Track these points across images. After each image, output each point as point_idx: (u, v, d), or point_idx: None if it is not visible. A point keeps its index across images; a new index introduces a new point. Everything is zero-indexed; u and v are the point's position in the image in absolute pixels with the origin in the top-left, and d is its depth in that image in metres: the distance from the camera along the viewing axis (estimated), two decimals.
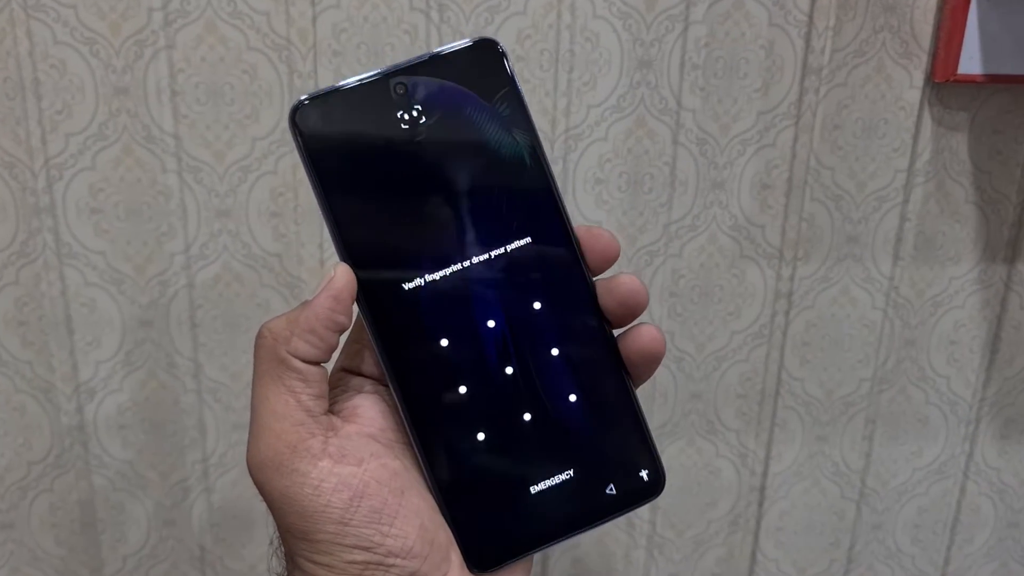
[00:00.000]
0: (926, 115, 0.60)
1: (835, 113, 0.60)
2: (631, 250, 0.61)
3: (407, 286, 0.31)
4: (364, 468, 0.29)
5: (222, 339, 0.61)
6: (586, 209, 0.60)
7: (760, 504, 0.69)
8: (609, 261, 0.32)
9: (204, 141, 0.57)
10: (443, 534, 0.31)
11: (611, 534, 0.68)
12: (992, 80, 0.57)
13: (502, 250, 0.31)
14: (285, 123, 0.57)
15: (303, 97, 0.31)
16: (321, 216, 0.31)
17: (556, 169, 0.59)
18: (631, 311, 0.32)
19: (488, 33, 0.56)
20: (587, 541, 0.68)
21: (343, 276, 0.30)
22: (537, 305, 0.31)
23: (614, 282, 0.31)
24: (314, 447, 0.29)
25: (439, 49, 0.31)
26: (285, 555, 0.31)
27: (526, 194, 0.31)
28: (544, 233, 0.31)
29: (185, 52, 0.55)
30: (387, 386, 0.32)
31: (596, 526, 0.32)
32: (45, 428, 0.61)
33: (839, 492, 0.69)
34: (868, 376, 0.66)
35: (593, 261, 0.32)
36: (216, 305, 0.60)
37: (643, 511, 0.68)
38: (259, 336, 0.30)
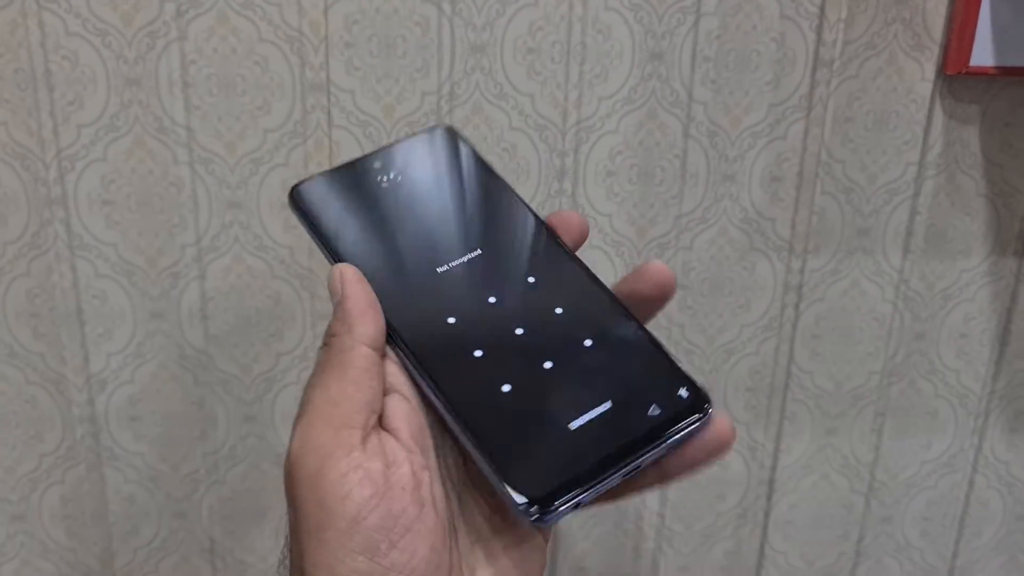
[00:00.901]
0: (937, 108, 0.60)
1: (846, 106, 0.59)
2: (641, 243, 0.61)
3: (419, 279, 0.34)
4: (392, 470, 0.29)
5: (233, 332, 0.61)
6: (597, 202, 0.60)
7: (769, 497, 0.69)
8: (583, 235, 0.36)
9: (216, 132, 0.57)
10: (447, 560, 0.30)
11: (620, 526, 0.68)
12: (1004, 73, 0.57)
13: (489, 247, 0.35)
14: (297, 115, 0.57)
15: (298, 182, 0.37)
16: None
17: (567, 161, 0.59)
18: (664, 291, 0.34)
19: (499, 26, 0.56)
20: (596, 533, 0.68)
21: (348, 268, 0.33)
22: (531, 279, 0.35)
23: (646, 269, 0.34)
24: (353, 438, 0.29)
25: (403, 136, 0.40)
26: (291, 565, 0.30)
27: (497, 202, 0.37)
28: (520, 227, 0.36)
29: (197, 43, 0.55)
30: (412, 380, 0.33)
31: (655, 455, 0.31)
32: (56, 420, 0.61)
33: (848, 485, 0.69)
34: (878, 369, 0.66)
35: (571, 239, 0.36)
36: (227, 297, 0.60)
37: (651, 502, 0.68)
38: (325, 339, 0.32)
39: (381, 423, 0.31)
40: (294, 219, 0.58)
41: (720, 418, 0.31)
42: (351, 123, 0.57)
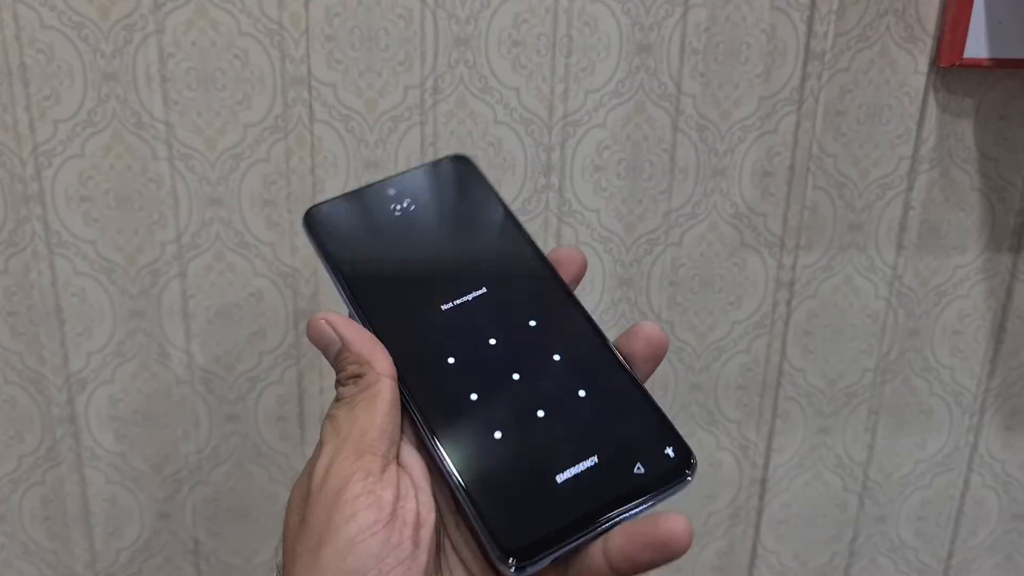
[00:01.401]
0: (931, 101, 0.59)
1: (838, 99, 0.58)
2: (630, 239, 0.60)
3: (423, 315, 0.35)
4: (401, 503, 0.30)
5: (215, 329, 0.60)
6: (584, 197, 0.59)
7: (761, 496, 0.68)
8: (582, 272, 0.37)
9: (195, 128, 0.56)
10: None
11: None
12: (999, 65, 0.56)
13: (494, 286, 0.36)
14: (278, 109, 0.56)
15: (312, 206, 0.37)
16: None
17: (554, 156, 0.58)
18: (656, 352, 0.34)
19: (484, 18, 0.55)
20: None
21: (332, 314, 0.34)
22: (532, 323, 0.35)
23: (638, 329, 0.34)
24: (374, 464, 0.30)
25: (419, 164, 0.40)
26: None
27: (505, 241, 0.37)
28: (527, 268, 0.36)
29: (175, 36, 0.54)
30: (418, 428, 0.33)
31: (635, 512, 0.31)
32: (36, 420, 0.60)
33: (841, 484, 0.68)
34: (871, 367, 0.65)
35: (570, 276, 0.36)
36: (208, 295, 0.59)
37: None
38: (345, 382, 0.33)
39: (398, 458, 0.32)
40: (276, 216, 0.58)
41: (675, 517, 0.30)
42: (333, 117, 0.56)
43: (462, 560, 0.32)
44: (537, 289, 0.36)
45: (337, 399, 0.33)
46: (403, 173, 0.39)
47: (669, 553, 0.29)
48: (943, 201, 0.61)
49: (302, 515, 0.31)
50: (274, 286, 0.59)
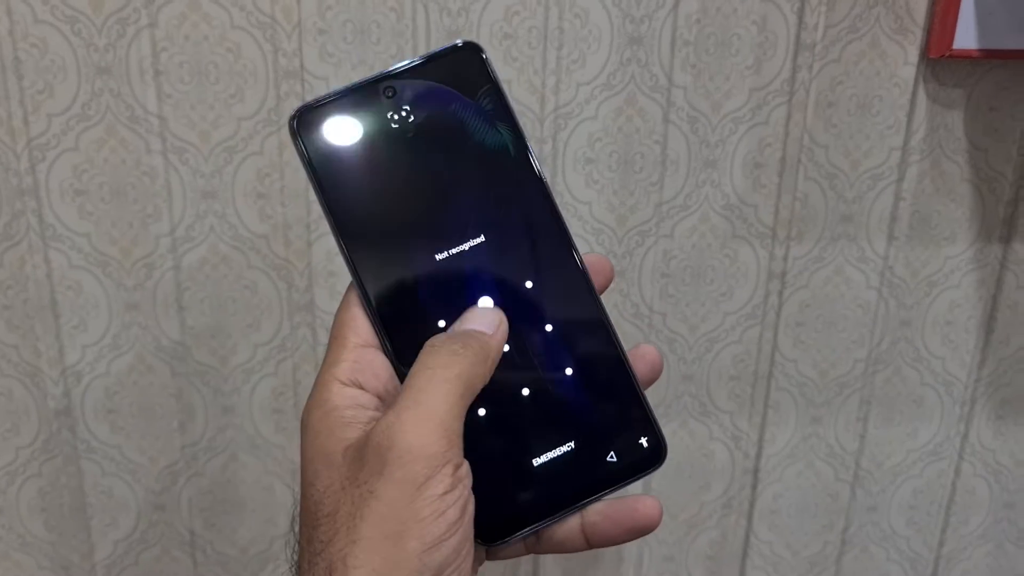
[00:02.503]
0: (921, 92, 0.59)
1: (829, 90, 0.59)
2: (621, 231, 0.61)
3: (406, 274, 0.32)
4: (469, 502, 0.30)
5: (209, 322, 0.60)
6: (576, 189, 0.59)
7: (754, 487, 0.68)
8: (608, 283, 0.35)
9: (189, 121, 0.56)
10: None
11: None
12: (988, 55, 0.56)
13: (494, 235, 0.33)
14: (271, 103, 0.56)
15: (300, 105, 0.33)
16: (321, 211, 0.33)
17: (545, 148, 0.58)
18: (654, 374, 0.34)
19: (475, 11, 0.55)
20: None
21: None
22: (529, 284, 0.33)
23: (641, 350, 0.34)
24: (459, 457, 0.29)
25: (424, 54, 0.34)
26: (317, 551, 0.29)
27: (512, 181, 0.33)
28: (533, 215, 0.33)
29: (168, 30, 0.54)
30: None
31: (601, 496, 0.32)
32: (32, 413, 0.61)
33: (833, 474, 0.68)
34: (862, 357, 0.65)
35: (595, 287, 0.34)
36: (203, 287, 0.59)
37: (636, 492, 0.67)
38: (458, 338, 0.31)
39: None
40: (270, 208, 0.58)
41: (650, 502, 0.32)
42: None
43: None
44: (539, 242, 0.33)
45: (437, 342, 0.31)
46: (406, 68, 0.33)
47: (643, 533, 0.32)
48: (933, 192, 0.62)
49: (365, 488, 0.28)
50: (268, 279, 0.59)
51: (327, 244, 0.59)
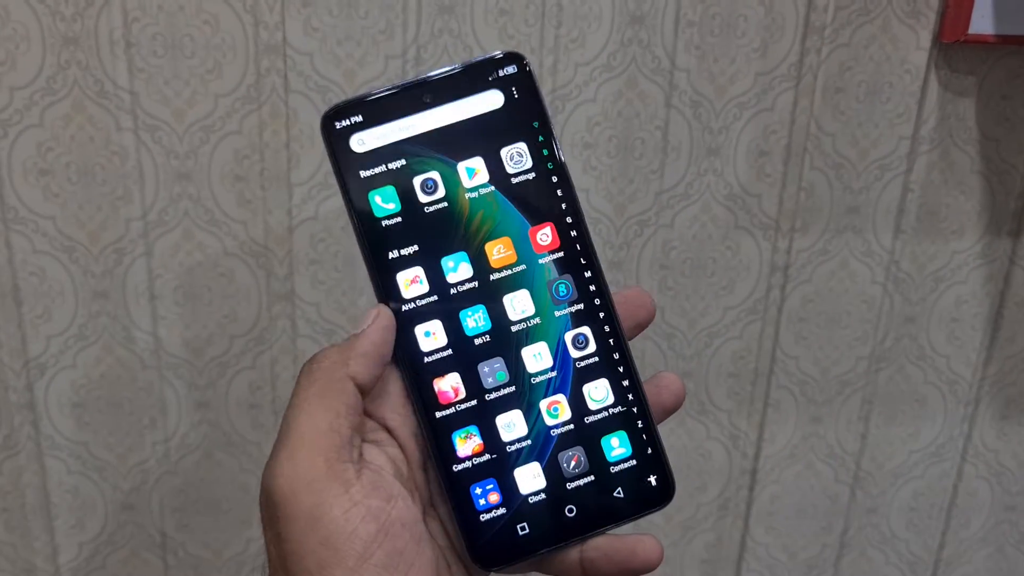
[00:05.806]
0: (932, 78, 0.57)
1: (837, 75, 0.56)
2: (620, 220, 0.58)
3: (442, 291, 0.32)
4: (392, 506, 0.29)
5: (183, 312, 0.57)
6: (573, 176, 0.56)
7: (751, 488, 0.66)
8: (649, 320, 0.34)
9: (162, 97, 0.52)
10: None
11: None
12: (1005, 41, 0.54)
13: (525, 254, 0.33)
14: (250, 79, 0.53)
15: (335, 104, 0.32)
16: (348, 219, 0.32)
17: None
18: (677, 403, 0.34)
19: None
20: None
21: (387, 314, 0.32)
22: (557, 313, 0.33)
23: (662, 377, 0.34)
24: (348, 473, 0.29)
25: (467, 61, 0.33)
26: None
27: (546, 198, 0.33)
28: (564, 248, 0.33)
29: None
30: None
31: (604, 531, 0.32)
32: None
33: (833, 475, 0.66)
34: (865, 354, 0.63)
35: (634, 322, 0.34)
36: (176, 275, 0.56)
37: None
38: (313, 360, 0.31)
39: (367, 455, 0.31)
40: (248, 192, 0.55)
41: (650, 543, 0.32)
42: (309, 88, 0.53)
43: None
44: (565, 263, 0.33)
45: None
46: (444, 75, 0.33)
47: (641, 575, 0.32)
48: (942, 183, 0.59)
49: (280, 536, 0.29)
50: (246, 266, 0.56)
51: (309, 230, 0.56)
